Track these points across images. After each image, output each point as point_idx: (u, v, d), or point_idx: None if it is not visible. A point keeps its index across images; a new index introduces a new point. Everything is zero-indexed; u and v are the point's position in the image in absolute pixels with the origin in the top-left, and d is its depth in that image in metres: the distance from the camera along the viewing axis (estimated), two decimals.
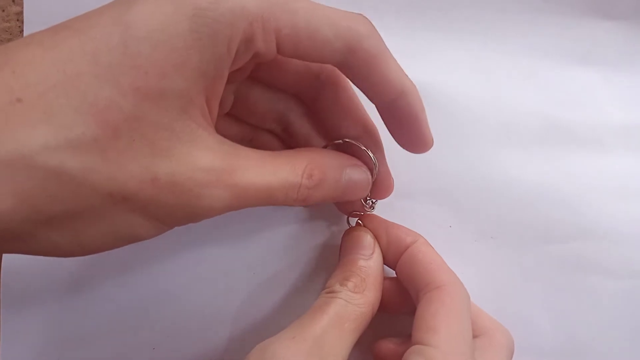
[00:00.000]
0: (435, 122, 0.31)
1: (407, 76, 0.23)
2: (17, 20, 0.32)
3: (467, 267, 0.31)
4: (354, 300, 0.24)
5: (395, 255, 0.27)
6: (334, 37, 0.21)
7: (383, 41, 0.22)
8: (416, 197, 0.31)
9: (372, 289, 0.25)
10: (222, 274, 0.31)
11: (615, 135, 0.31)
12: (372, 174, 0.26)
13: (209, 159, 0.20)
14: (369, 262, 0.26)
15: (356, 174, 0.25)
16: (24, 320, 0.30)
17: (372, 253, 0.26)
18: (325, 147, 0.27)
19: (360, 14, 0.22)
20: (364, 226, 0.28)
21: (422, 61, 0.32)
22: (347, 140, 0.26)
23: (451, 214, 0.31)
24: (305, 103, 0.27)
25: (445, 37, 0.32)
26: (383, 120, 0.24)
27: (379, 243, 0.27)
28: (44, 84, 0.18)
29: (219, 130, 0.25)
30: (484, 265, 0.31)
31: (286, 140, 0.28)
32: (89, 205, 0.18)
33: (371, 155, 0.26)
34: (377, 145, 0.27)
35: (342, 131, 0.26)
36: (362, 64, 0.21)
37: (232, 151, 0.21)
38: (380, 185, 0.27)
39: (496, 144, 0.31)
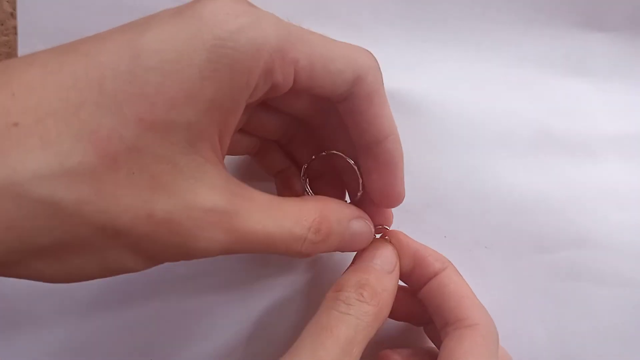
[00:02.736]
0: (428, 131, 0.32)
1: (395, 124, 0.23)
2: (16, 34, 0.32)
3: (462, 275, 0.31)
4: (366, 317, 0.23)
5: (420, 279, 0.26)
6: (345, 67, 0.21)
7: (382, 80, 0.22)
8: (410, 207, 0.31)
9: (385, 308, 0.24)
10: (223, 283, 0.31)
11: (608, 144, 0.31)
12: (358, 187, 0.25)
13: (210, 198, 0.19)
14: (387, 277, 0.25)
15: (359, 227, 0.24)
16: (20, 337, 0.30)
17: (392, 271, 0.25)
18: (311, 161, 0.26)
19: (368, 50, 0.22)
20: (390, 242, 0.26)
21: (416, 71, 0.32)
22: (333, 152, 0.25)
23: (445, 223, 0.31)
24: (313, 127, 0.26)
25: (439, 47, 0.32)
26: (361, 166, 0.24)
27: (403, 263, 0.26)
28: (43, 109, 0.17)
29: (230, 145, 0.25)
30: (478, 275, 0.31)
31: (290, 151, 0.28)
32: (79, 238, 0.18)
33: (356, 168, 0.25)
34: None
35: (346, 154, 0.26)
36: (363, 95, 0.22)
37: (237, 191, 0.20)
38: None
39: (490, 154, 0.32)
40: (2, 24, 0.32)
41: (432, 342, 0.29)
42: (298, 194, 0.27)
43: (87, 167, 0.17)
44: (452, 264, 0.26)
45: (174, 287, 0.30)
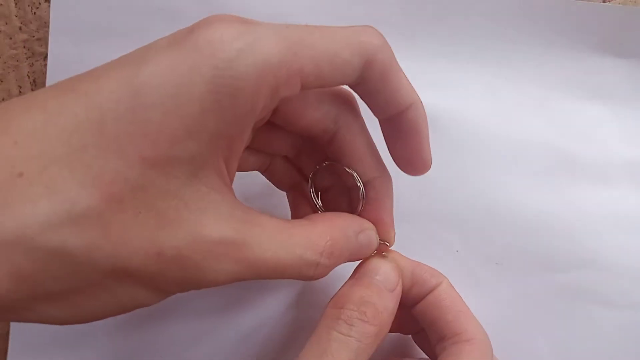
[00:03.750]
0: (444, 147, 0.32)
1: (414, 90, 0.22)
2: (24, 47, 0.31)
3: (472, 291, 0.32)
4: (367, 339, 0.22)
5: (417, 296, 0.26)
6: (351, 56, 0.20)
7: (393, 52, 0.21)
8: (424, 221, 0.32)
9: (384, 327, 0.23)
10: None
11: (620, 169, 0.31)
12: (360, 199, 0.25)
13: (218, 229, 0.19)
14: (389, 296, 0.24)
15: (367, 239, 0.24)
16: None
17: (394, 290, 0.24)
18: (314, 173, 0.26)
19: (370, 26, 0.21)
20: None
21: (434, 87, 0.32)
22: (333, 163, 0.25)
23: (457, 238, 0.32)
24: (321, 145, 0.26)
25: (457, 64, 0.32)
26: (385, 137, 0.24)
27: (402, 283, 0.25)
28: (47, 156, 0.17)
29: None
30: (488, 291, 0.32)
31: (299, 165, 0.28)
32: (90, 282, 0.18)
33: (357, 178, 0.24)
34: (388, 190, 0.26)
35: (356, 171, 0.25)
36: (376, 77, 0.21)
37: (245, 218, 0.20)
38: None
39: (503, 171, 0.32)
40: (11, 38, 0.31)
41: (422, 349, 0.29)
42: (311, 207, 0.27)
43: (95, 212, 0.17)
44: (446, 278, 0.26)
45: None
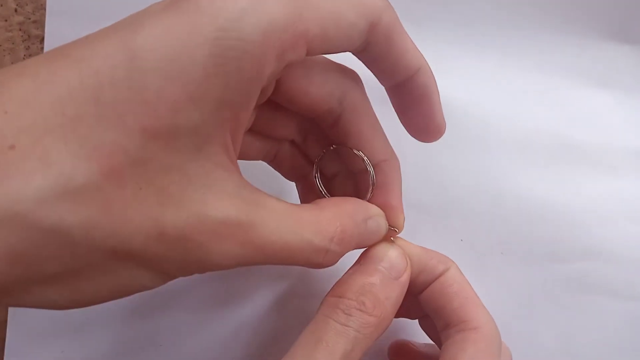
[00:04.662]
0: (449, 134, 0.31)
1: (421, 53, 0.21)
2: (20, 30, 0.30)
3: (476, 280, 0.31)
4: (366, 329, 0.21)
5: (424, 284, 0.25)
6: (357, 18, 0.19)
7: (397, 15, 0.21)
8: (429, 209, 0.32)
9: (386, 318, 0.22)
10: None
11: (627, 158, 0.31)
12: (370, 183, 0.24)
13: (223, 209, 0.18)
14: (393, 284, 0.23)
15: (376, 225, 0.23)
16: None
17: (399, 278, 0.23)
18: (320, 157, 0.25)
19: None
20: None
21: (439, 74, 0.31)
22: (340, 146, 0.24)
23: (462, 227, 0.32)
24: (327, 128, 0.25)
25: (462, 51, 0.32)
26: (395, 105, 0.23)
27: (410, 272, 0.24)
28: (40, 127, 0.15)
29: (242, 149, 0.24)
30: (492, 280, 0.31)
31: (306, 152, 0.27)
32: (89, 263, 0.17)
33: (367, 160, 0.24)
34: (396, 174, 0.25)
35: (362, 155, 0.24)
36: (382, 40, 0.20)
37: (252, 198, 0.19)
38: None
39: (509, 160, 0.32)
40: (6, 20, 0.30)
41: (427, 334, 0.29)
42: (320, 197, 0.26)
43: (93, 187, 0.16)
44: (455, 263, 0.25)
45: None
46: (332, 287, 0.23)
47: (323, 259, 0.21)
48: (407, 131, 0.24)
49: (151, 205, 0.17)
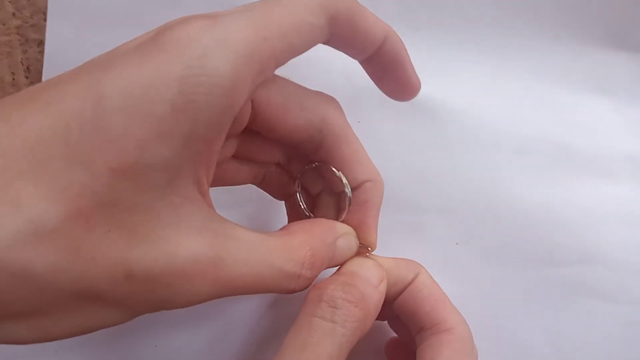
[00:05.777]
0: (445, 138, 0.32)
1: (383, 22, 0.22)
2: (17, 33, 0.30)
3: (471, 284, 0.32)
4: (351, 323, 0.21)
5: (396, 293, 0.25)
6: (317, 19, 0.19)
7: None
8: (424, 213, 0.32)
9: (370, 316, 0.22)
10: None
11: (623, 164, 0.31)
12: (346, 203, 0.24)
13: (192, 247, 0.18)
14: (374, 288, 0.23)
15: (345, 244, 0.24)
16: None
17: (379, 285, 0.24)
18: (301, 174, 0.26)
19: None
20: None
21: (437, 77, 0.32)
22: (320, 164, 0.24)
23: (457, 230, 0.32)
24: (307, 154, 0.25)
25: (460, 56, 0.32)
26: (370, 75, 0.24)
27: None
28: (11, 170, 0.16)
29: (228, 175, 0.24)
30: (487, 284, 0.31)
31: (290, 171, 0.27)
32: (56, 304, 0.17)
33: (344, 181, 0.24)
34: (377, 194, 0.25)
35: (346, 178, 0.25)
36: (344, 27, 0.20)
37: (221, 231, 0.19)
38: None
39: (506, 164, 0.32)
40: (4, 24, 0.30)
41: (397, 334, 0.29)
42: (309, 216, 0.27)
43: (61, 231, 0.16)
44: (424, 267, 0.25)
45: None
46: (313, 286, 0.23)
47: (296, 284, 0.21)
48: (386, 94, 0.24)
49: (119, 247, 0.17)
